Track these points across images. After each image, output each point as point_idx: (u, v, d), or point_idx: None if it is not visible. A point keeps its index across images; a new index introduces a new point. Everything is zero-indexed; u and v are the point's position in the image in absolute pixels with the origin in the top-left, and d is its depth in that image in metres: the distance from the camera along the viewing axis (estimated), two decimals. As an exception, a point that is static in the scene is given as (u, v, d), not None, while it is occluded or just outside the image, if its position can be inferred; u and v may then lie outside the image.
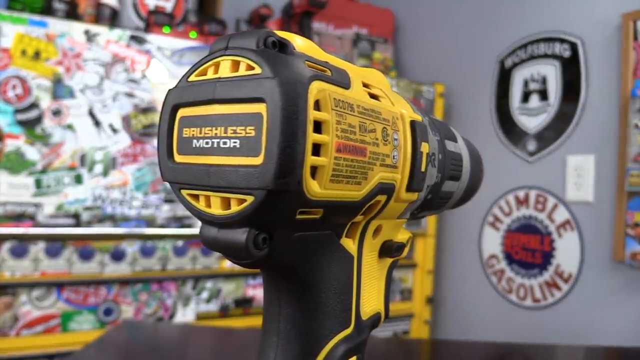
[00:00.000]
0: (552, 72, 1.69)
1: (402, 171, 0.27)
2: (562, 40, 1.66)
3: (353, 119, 0.22)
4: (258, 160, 0.20)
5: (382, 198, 0.26)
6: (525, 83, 1.77)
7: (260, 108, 0.20)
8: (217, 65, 0.22)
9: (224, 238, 0.21)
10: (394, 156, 0.26)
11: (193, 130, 0.22)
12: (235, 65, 0.21)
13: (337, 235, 0.26)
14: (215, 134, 0.21)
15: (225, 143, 0.21)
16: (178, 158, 0.22)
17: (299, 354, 0.25)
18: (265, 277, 0.26)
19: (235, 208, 0.21)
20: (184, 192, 0.22)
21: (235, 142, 0.20)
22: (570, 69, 1.63)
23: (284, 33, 0.22)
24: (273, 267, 0.25)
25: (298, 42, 0.22)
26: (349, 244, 0.27)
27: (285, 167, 0.19)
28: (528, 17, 1.77)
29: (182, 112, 0.22)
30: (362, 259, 0.28)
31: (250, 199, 0.20)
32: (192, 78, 0.23)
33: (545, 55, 1.71)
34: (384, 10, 2.29)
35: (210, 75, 0.22)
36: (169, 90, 0.23)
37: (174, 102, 0.23)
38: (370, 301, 0.29)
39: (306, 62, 0.21)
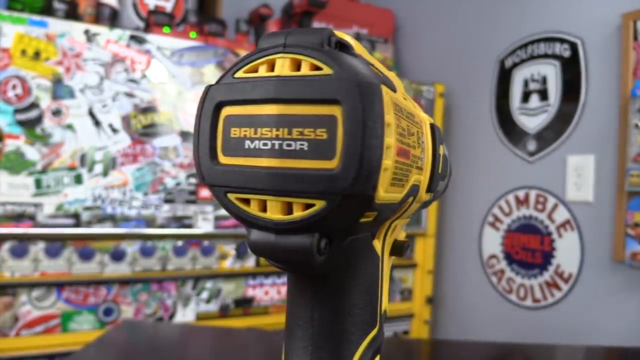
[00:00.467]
0: (552, 72, 1.69)
1: (425, 173, 0.27)
2: (562, 40, 1.66)
3: (404, 123, 0.22)
4: (332, 164, 0.19)
5: (411, 199, 0.26)
6: (525, 83, 1.77)
7: (333, 110, 0.19)
8: (271, 63, 0.21)
9: (285, 244, 0.20)
10: (421, 158, 0.26)
11: (245, 131, 0.20)
12: (296, 64, 0.20)
13: (372, 237, 0.25)
14: (277, 135, 0.20)
15: (289, 145, 0.19)
16: (224, 159, 0.21)
17: (334, 357, 0.25)
18: (297, 280, 0.25)
19: (299, 213, 0.20)
20: (231, 195, 0.21)
21: (302, 145, 0.19)
22: (570, 69, 1.63)
23: (337, 33, 0.22)
24: (315, 271, 0.24)
25: (351, 42, 0.22)
26: (377, 245, 0.26)
27: (365, 171, 0.19)
28: (528, 17, 1.76)
29: (228, 111, 0.21)
30: (383, 258, 0.27)
31: (320, 203, 0.19)
32: (240, 75, 0.21)
33: (545, 55, 1.71)
34: (384, 10, 2.29)
35: (263, 72, 0.21)
36: (210, 86, 0.21)
37: (219, 100, 0.21)
38: (385, 300, 0.29)
39: (368, 64, 0.21)
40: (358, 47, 0.22)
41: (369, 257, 0.25)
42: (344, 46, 0.21)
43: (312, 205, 0.20)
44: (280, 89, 0.20)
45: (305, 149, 0.19)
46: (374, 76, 0.20)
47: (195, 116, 0.21)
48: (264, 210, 0.20)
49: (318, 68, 0.20)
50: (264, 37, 0.21)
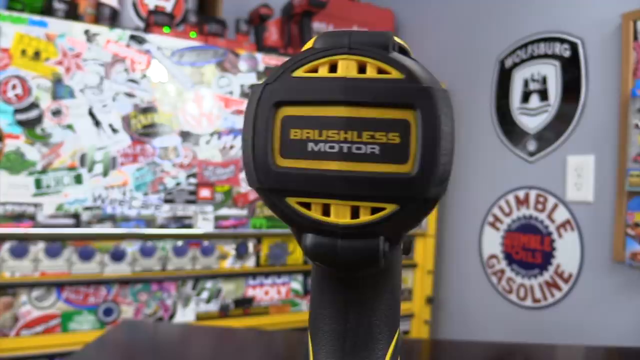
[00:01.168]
0: (552, 72, 1.69)
1: None
2: (562, 40, 1.66)
3: None
4: (405, 168, 0.19)
5: None
6: (525, 83, 1.78)
7: (405, 114, 0.19)
8: (332, 64, 0.20)
9: (350, 248, 0.20)
10: None
11: (308, 132, 0.20)
12: (360, 67, 0.20)
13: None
14: (345, 138, 0.19)
15: (359, 149, 0.19)
16: (282, 162, 0.20)
17: (369, 356, 0.24)
18: (332, 281, 0.24)
19: (367, 217, 0.20)
20: (290, 199, 0.20)
21: (373, 148, 0.19)
22: (570, 69, 1.63)
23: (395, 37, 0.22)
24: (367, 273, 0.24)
25: (407, 47, 0.22)
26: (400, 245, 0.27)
27: (441, 175, 0.19)
28: (528, 17, 1.77)
29: (287, 111, 0.20)
30: (400, 257, 0.28)
31: (391, 207, 0.19)
32: (299, 74, 0.20)
33: (545, 55, 1.71)
34: (384, 10, 2.29)
35: (325, 73, 0.20)
36: (266, 84, 0.20)
37: (278, 99, 0.20)
38: None
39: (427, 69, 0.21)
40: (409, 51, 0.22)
41: (396, 256, 0.25)
42: (403, 50, 0.21)
43: (381, 209, 0.19)
44: (350, 91, 0.19)
45: (377, 152, 0.19)
46: (439, 82, 0.20)
47: (246, 116, 0.20)
48: (327, 214, 0.20)
49: (384, 72, 0.20)
50: (321, 37, 0.21)
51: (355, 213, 0.20)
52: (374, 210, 0.20)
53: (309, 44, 0.21)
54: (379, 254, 0.20)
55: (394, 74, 0.20)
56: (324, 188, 0.19)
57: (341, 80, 0.20)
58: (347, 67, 0.20)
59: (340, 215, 0.20)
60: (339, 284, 0.24)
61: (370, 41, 0.20)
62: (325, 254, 0.20)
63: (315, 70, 0.20)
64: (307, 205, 0.20)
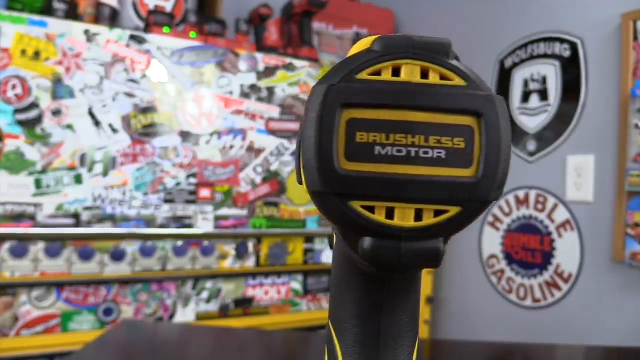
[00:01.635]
0: (552, 72, 1.69)
1: None
2: (562, 40, 1.66)
3: None
4: (469, 173, 0.20)
5: None
6: (525, 83, 1.78)
7: (469, 121, 0.20)
8: (395, 68, 0.20)
9: (413, 250, 0.20)
10: None
11: (375, 136, 0.20)
12: (423, 72, 0.20)
13: None
14: (413, 142, 0.20)
15: (427, 153, 0.20)
16: (348, 165, 0.20)
17: (400, 355, 0.25)
18: (369, 282, 0.25)
19: (431, 219, 0.20)
20: (355, 203, 0.20)
21: (440, 153, 0.20)
22: (570, 69, 1.63)
23: None
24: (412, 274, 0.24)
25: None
26: None
27: (501, 180, 0.20)
28: (528, 17, 1.77)
29: (352, 113, 0.20)
30: None
31: (455, 210, 0.20)
32: (363, 76, 0.20)
33: (545, 55, 1.71)
34: (384, 10, 2.29)
35: (388, 77, 0.20)
36: (331, 86, 0.20)
37: (345, 101, 0.20)
38: None
39: None
40: None
41: None
42: (456, 58, 0.21)
43: (444, 212, 0.20)
44: (418, 96, 0.20)
45: (443, 157, 0.20)
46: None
47: (308, 117, 0.20)
48: (391, 217, 0.20)
49: (447, 78, 0.20)
50: (381, 39, 0.21)
51: (418, 216, 0.20)
52: (437, 213, 0.20)
53: (362, 46, 0.21)
54: (440, 255, 0.21)
55: (457, 81, 0.20)
56: (391, 192, 0.20)
57: (409, 85, 0.20)
58: (411, 72, 0.20)
59: (404, 218, 0.20)
60: (376, 285, 0.24)
61: (432, 47, 0.21)
62: (389, 256, 0.20)
63: (378, 73, 0.20)
64: (371, 209, 0.20)
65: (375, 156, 0.20)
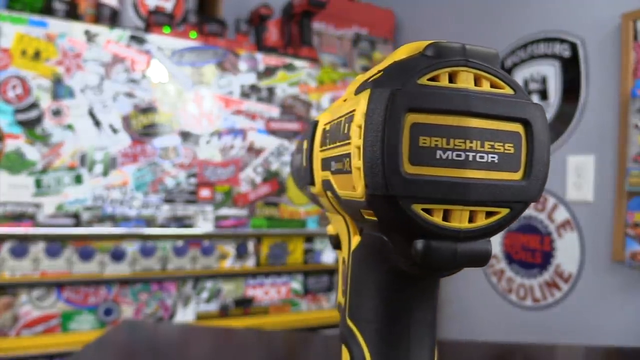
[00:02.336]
0: (552, 72, 1.69)
1: None
2: (562, 40, 1.66)
3: None
4: (517, 176, 0.21)
5: None
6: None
7: (517, 127, 0.21)
8: (453, 74, 0.21)
9: (468, 250, 0.21)
10: None
11: (436, 140, 0.20)
12: (478, 80, 0.21)
13: None
14: (470, 147, 0.20)
15: (482, 157, 0.20)
16: (411, 169, 0.20)
17: (428, 356, 0.26)
18: (404, 282, 0.25)
19: (483, 221, 0.21)
20: (416, 206, 0.20)
21: (493, 157, 0.21)
22: (570, 69, 1.63)
23: None
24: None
25: None
26: None
27: (544, 181, 0.22)
28: (528, 17, 1.77)
29: (415, 118, 0.20)
30: None
31: (504, 211, 0.21)
32: (423, 82, 0.21)
33: (545, 55, 1.71)
34: (384, 10, 2.29)
35: (445, 83, 0.21)
36: (396, 90, 0.20)
37: (410, 106, 0.20)
38: None
39: None
40: None
41: None
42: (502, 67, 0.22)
43: (495, 213, 0.21)
44: (475, 103, 0.20)
45: (496, 161, 0.21)
46: None
47: (372, 120, 0.20)
48: (448, 219, 0.21)
49: (497, 86, 0.21)
50: (434, 45, 0.21)
51: (471, 218, 0.21)
52: (488, 214, 0.21)
53: (409, 50, 0.22)
54: (490, 255, 0.22)
55: (506, 89, 0.21)
56: (451, 195, 0.20)
57: (467, 92, 0.21)
58: (466, 79, 0.21)
59: (461, 220, 0.21)
60: (407, 285, 0.25)
61: (484, 56, 0.22)
62: (445, 257, 0.21)
63: (435, 79, 0.21)
64: (429, 212, 0.21)
65: (437, 160, 0.20)
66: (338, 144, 0.23)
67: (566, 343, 1.38)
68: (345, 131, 0.22)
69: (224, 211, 1.64)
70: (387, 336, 0.25)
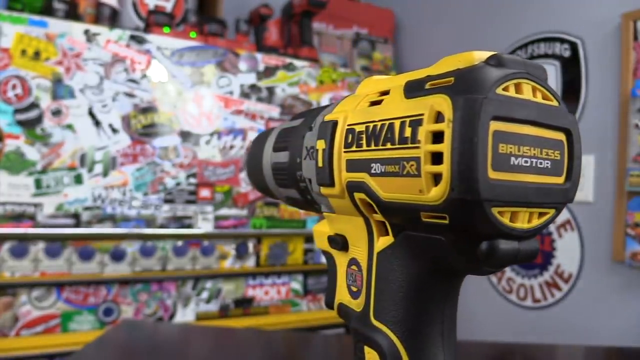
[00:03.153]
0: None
1: None
2: (562, 40, 1.66)
3: None
4: (561, 180, 0.24)
5: None
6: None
7: (560, 136, 0.24)
8: (517, 86, 0.22)
9: (526, 249, 0.23)
10: None
11: (511, 147, 0.22)
12: (534, 91, 0.23)
13: None
14: (534, 154, 0.22)
15: (540, 163, 0.23)
16: (493, 174, 0.21)
17: (454, 351, 0.27)
18: (437, 279, 0.26)
19: (537, 221, 0.23)
20: (495, 209, 0.21)
21: (547, 163, 0.23)
22: (570, 68, 1.63)
23: None
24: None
25: None
26: None
27: (578, 183, 0.24)
28: (528, 17, 1.76)
29: (497, 126, 0.21)
30: None
31: (552, 212, 0.24)
32: (499, 91, 0.22)
33: (545, 55, 1.71)
34: (384, 10, 2.29)
35: (512, 93, 0.22)
36: (483, 99, 0.21)
37: (493, 114, 0.21)
38: None
39: None
40: None
41: None
42: None
43: (546, 214, 0.24)
44: (539, 113, 0.23)
45: (549, 167, 0.23)
46: None
47: (462, 127, 0.21)
48: (514, 220, 0.23)
49: (547, 98, 0.23)
50: (495, 57, 0.22)
51: (529, 218, 0.23)
52: (540, 215, 0.23)
53: (467, 60, 0.23)
54: (538, 251, 0.24)
55: (554, 101, 0.24)
56: (521, 198, 0.22)
57: (533, 103, 0.23)
58: (527, 91, 0.23)
59: (522, 221, 0.23)
60: (444, 282, 0.26)
61: (538, 69, 0.24)
62: (509, 256, 0.23)
63: (506, 89, 0.22)
64: (502, 213, 0.22)
65: (511, 166, 0.22)
66: (389, 146, 0.23)
67: (566, 343, 1.38)
68: (407, 135, 0.22)
69: (224, 211, 1.63)
70: (422, 334, 0.26)
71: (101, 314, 1.45)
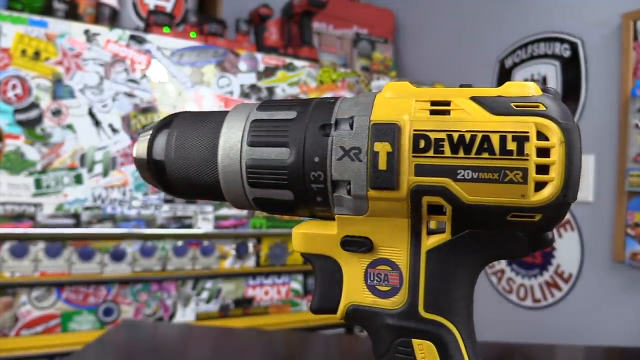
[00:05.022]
0: (552, 72, 1.69)
1: None
2: (562, 40, 1.66)
3: None
4: None
5: None
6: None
7: None
8: None
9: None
10: None
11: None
12: None
13: None
14: None
15: None
16: None
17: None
18: (481, 262, 0.29)
19: None
20: None
21: None
22: (570, 69, 1.63)
23: None
24: None
25: None
26: None
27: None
28: (528, 17, 1.77)
29: None
30: None
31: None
32: None
33: (545, 55, 1.71)
34: (384, 10, 2.29)
35: None
36: (577, 126, 0.26)
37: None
38: None
39: None
40: None
41: None
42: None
43: None
44: None
45: None
46: None
47: (574, 149, 0.26)
48: None
49: None
50: (551, 88, 0.28)
51: None
52: None
53: (527, 88, 0.27)
54: None
55: None
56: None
57: None
58: None
59: None
60: (480, 265, 0.29)
61: None
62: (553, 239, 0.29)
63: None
64: None
65: None
66: (487, 156, 0.26)
67: (566, 343, 1.38)
68: (510, 147, 0.25)
69: (224, 211, 1.63)
70: (468, 316, 0.29)
71: (101, 314, 1.45)
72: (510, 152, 0.25)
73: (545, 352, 0.91)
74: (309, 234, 0.32)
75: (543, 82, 1.73)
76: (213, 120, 0.33)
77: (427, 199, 0.27)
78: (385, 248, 0.30)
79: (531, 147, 0.25)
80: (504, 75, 1.84)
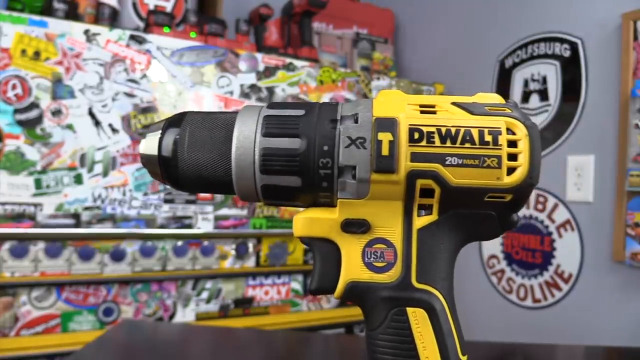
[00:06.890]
0: (552, 72, 1.69)
1: None
2: (562, 40, 1.66)
3: None
4: None
5: None
6: (526, 83, 1.78)
7: None
8: None
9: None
10: None
11: None
12: None
13: None
14: None
15: None
16: None
17: None
18: (465, 243, 0.35)
19: None
20: None
21: None
22: (570, 69, 1.63)
23: None
24: None
25: None
26: None
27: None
28: (528, 17, 1.77)
29: None
30: None
31: None
32: None
33: (546, 55, 1.71)
34: (384, 10, 2.29)
35: None
36: (535, 124, 0.32)
37: None
38: None
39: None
40: None
41: None
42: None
43: None
44: None
45: None
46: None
47: (536, 142, 0.32)
48: None
49: None
50: (513, 101, 0.34)
51: None
52: None
53: (498, 99, 0.34)
54: None
55: None
56: None
57: None
58: None
59: None
60: (460, 242, 0.34)
61: None
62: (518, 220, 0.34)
63: None
64: None
65: None
66: (469, 146, 0.31)
67: (566, 343, 1.38)
68: (488, 139, 0.31)
69: (224, 211, 1.64)
70: (451, 286, 0.34)
71: (101, 314, 1.45)
72: (488, 143, 0.31)
73: (545, 352, 0.91)
74: (311, 218, 0.35)
75: (543, 82, 1.73)
76: (224, 118, 0.38)
77: (420, 181, 0.32)
78: (381, 228, 0.34)
79: (503, 139, 0.31)
80: (504, 75, 1.84)
